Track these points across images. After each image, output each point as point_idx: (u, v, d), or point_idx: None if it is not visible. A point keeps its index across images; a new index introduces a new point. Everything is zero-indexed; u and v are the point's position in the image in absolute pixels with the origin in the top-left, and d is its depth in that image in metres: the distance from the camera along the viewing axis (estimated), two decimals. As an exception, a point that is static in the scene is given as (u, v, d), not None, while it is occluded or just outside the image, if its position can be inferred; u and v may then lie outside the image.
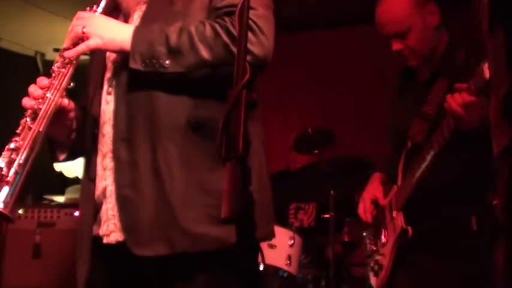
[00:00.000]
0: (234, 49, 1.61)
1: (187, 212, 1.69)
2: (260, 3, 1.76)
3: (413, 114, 2.43)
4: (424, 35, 2.39)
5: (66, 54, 1.77)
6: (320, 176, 4.07)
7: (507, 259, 0.98)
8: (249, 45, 1.60)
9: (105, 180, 1.81)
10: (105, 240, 1.79)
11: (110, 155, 1.80)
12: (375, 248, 2.63)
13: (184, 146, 1.73)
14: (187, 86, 1.74)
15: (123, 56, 1.78)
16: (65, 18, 4.64)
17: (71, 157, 2.01)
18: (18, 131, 1.70)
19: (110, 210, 1.79)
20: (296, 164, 4.60)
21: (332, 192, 3.93)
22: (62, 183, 4.89)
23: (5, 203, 1.59)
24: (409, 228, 2.35)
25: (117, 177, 1.77)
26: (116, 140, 1.78)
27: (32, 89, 1.77)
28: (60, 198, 4.51)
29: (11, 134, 1.69)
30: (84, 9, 1.86)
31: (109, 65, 1.87)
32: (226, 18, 1.73)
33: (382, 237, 2.55)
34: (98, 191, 1.83)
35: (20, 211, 3.95)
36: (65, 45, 1.80)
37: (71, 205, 4.08)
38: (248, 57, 1.37)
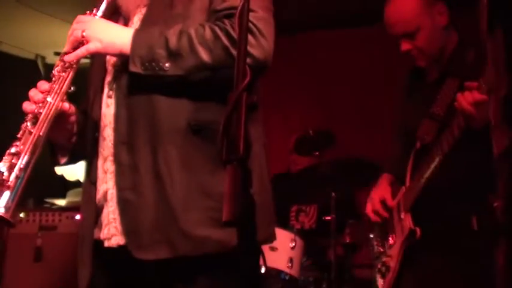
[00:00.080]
0: (234, 52, 1.61)
1: (188, 215, 1.69)
2: (260, 6, 1.76)
3: (422, 115, 2.43)
4: (433, 35, 2.39)
5: (66, 58, 1.78)
6: (321, 177, 4.07)
7: (507, 260, 0.98)
8: (249, 48, 1.60)
9: (106, 184, 1.81)
10: (106, 244, 1.78)
11: (110, 158, 1.80)
12: (382, 250, 2.63)
13: (185, 149, 1.73)
14: (187, 89, 1.74)
15: (123, 60, 1.78)
16: (65, 22, 4.64)
17: (72, 160, 2.02)
18: (18, 136, 1.69)
19: (111, 213, 1.79)
20: (297, 166, 4.60)
21: (333, 194, 3.92)
22: (63, 186, 4.89)
23: (6, 207, 1.59)
24: (418, 229, 2.35)
25: (118, 181, 1.77)
26: (117, 143, 1.78)
27: (33, 93, 1.77)
28: (61, 202, 4.51)
29: (11, 138, 1.70)
30: (84, 13, 1.86)
31: (109, 68, 1.87)
32: (226, 21, 1.73)
33: (390, 238, 2.55)
34: (99, 195, 1.83)
35: (21, 215, 3.95)
36: (65, 49, 1.80)
37: (72, 208, 4.09)
38: (248, 60, 1.37)
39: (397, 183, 2.60)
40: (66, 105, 1.81)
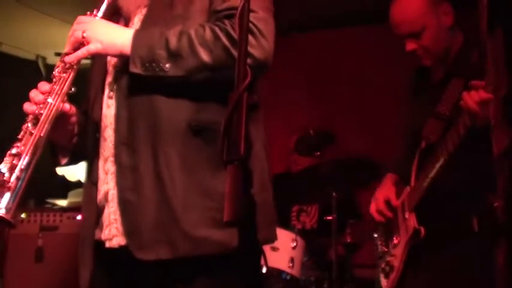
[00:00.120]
0: (234, 52, 1.62)
1: (188, 215, 1.69)
2: (260, 6, 1.76)
3: (427, 114, 2.43)
4: (438, 35, 2.40)
5: (67, 59, 1.78)
6: (322, 177, 4.07)
7: (507, 260, 0.98)
8: (249, 48, 1.60)
9: (107, 184, 1.81)
10: (107, 245, 1.79)
11: (111, 159, 1.80)
12: (386, 249, 2.63)
13: (185, 150, 1.72)
14: (188, 90, 1.74)
15: (124, 60, 1.78)
16: (66, 22, 4.64)
17: (73, 161, 2.02)
18: (19, 136, 1.69)
19: (112, 214, 1.79)
20: (298, 166, 4.60)
21: (334, 194, 3.92)
22: (64, 187, 4.88)
23: (7, 208, 1.59)
24: (422, 229, 2.35)
25: (119, 181, 1.77)
26: (118, 144, 1.78)
27: (33, 94, 1.77)
28: (62, 202, 4.51)
29: (13, 139, 1.70)
30: (85, 13, 1.86)
31: (110, 69, 1.87)
32: (226, 21, 1.73)
33: (394, 238, 2.55)
34: (100, 195, 1.83)
35: (23, 215, 3.96)
36: (66, 50, 1.80)
37: (73, 209, 4.09)
38: (249, 60, 1.37)
39: (401, 183, 2.60)
40: (67, 106, 1.81)
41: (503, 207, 1.00)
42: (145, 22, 1.85)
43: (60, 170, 4.88)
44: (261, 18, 1.74)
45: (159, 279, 1.76)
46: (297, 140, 4.57)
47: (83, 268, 1.82)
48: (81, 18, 1.83)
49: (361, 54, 5.23)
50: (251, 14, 1.41)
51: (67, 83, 1.77)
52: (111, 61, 1.87)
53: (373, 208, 2.66)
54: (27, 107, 1.75)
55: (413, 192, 2.44)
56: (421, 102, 2.55)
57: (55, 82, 1.77)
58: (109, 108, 1.83)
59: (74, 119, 1.91)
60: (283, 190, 4.02)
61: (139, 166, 1.73)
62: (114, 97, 1.82)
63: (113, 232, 1.78)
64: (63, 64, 1.78)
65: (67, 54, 1.79)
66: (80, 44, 1.77)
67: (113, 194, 1.79)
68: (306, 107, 5.51)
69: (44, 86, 1.78)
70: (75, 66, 1.78)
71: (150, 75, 1.72)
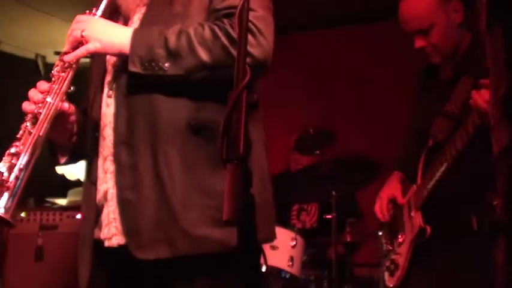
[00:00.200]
0: (233, 51, 1.62)
1: (188, 214, 1.69)
2: (260, 5, 1.75)
3: (435, 113, 2.42)
4: (448, 32, 2.39)
5: (66, 58, 1.78)
6: (321, 176, 4.07)
7: (507, 259, 0.98)
8: (248, 48, 1.60)
9: (107, 183, 1.81)
10: (106, 244, 1.79)
11: (110, 158, 1.80)
12: (390, 248, 2.63)
13: (184, 149, 1.72)
14: (187, 89, 1.74)
15: (123, 59, 1.77)
16: (65, 21, 4.64)
17: (72, 160, 2.02)
18: (18, 136, 1.70)
19: (111, 213, 1.79)
20: (297, 165, 4.60)
21: (334, 192, 3.92)
22: (64, 186, 4.88)
23: (6, 208, 1.59)
24: (428, 227, 2.35)
25: (118, 180, 1.77)
26: (117, 143, 1.78)
27: (32, 93, 1.77)
28: (62, 201, 4.51)
29: (11, 138, 1.70)
30: (84, 12, 1.85)
31: (109, 68, 1.87)
32: (226, 20, 1.73)
33: (399, 236, 2.55)
34: (99, 194, 1.83)
35: (22, 214, 3.95)
36: (65, 49, 1.80)
37: (73, 208, 4.08)
38: (248, 60, 1.37)
39: (407, 181, 2.59)
40: (66, 105, 1.81)
41: (502, 206, 1.00)
42: (144, 21, 1.85)
43: (59, 169, 4.88)
44: (261, 17, 1.74)
45: (159, 278, 1.76)
46: (297, 139, 4.57)
47: (82, 267, 1.82)
48: (80, 17, 1.83)
49: (361, 53, 5.24)
50: (250, 13, 1.40)
51: (66, 82, 1.77)
52: (111, 60, 1.87)
53: (377, 207, 2.66)
54: (26, 106, 1.75)
55: (419, 190, 2.44)
56: (429, 101, 2.53)
57: (54, 81, 1.77)
58: (108, 107, 1.83)
59: (73, 118, 1.91)
60: (283, 189, 4.02)
61: (139, 165, 1.73)
62: (113, 96, 1.82)
63: (112, 231, 1.78)
64: (62, 63, 1.78)
65: (66, 53, 1.79)
66: (78, 43, 1.77)
67: (112, 193, 1.78)
68: (305, 106, 5.51)
69: (43, 85, 1.78)
70: (74, 65, 1.78)
71: (149, 74, 1.72)
